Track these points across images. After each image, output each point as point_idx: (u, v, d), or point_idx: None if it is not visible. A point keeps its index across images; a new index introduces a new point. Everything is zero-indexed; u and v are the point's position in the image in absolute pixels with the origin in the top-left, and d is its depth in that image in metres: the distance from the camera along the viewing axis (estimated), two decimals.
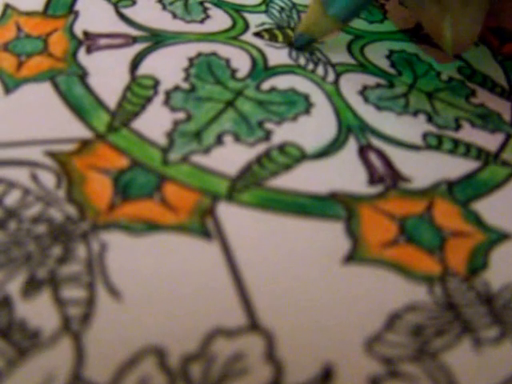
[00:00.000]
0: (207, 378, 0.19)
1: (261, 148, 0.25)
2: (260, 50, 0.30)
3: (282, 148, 0.26)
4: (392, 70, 0.30)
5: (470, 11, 0.28)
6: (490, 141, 0.28)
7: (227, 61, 0.29)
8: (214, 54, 0.29)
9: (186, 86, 0.27)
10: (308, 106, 0.27)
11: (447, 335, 0.21)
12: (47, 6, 0.31)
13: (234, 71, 0.29)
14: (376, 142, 0.26)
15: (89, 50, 0.29)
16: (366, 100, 0.28)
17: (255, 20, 0.32)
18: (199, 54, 0.29)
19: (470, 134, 0.28)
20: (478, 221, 0.24)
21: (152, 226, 0.23)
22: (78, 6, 0.31)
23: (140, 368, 0.19)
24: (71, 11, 0.31)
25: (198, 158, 0.25)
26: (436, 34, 0.29)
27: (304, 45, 0.30)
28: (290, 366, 0.20)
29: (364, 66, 0.30)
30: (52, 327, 0.20)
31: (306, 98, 0.28)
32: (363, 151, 0.26)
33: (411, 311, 0.22)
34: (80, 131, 0.25)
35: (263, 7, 0.33)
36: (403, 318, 0.21)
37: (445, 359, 0.21)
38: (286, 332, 0.21)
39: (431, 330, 0.21)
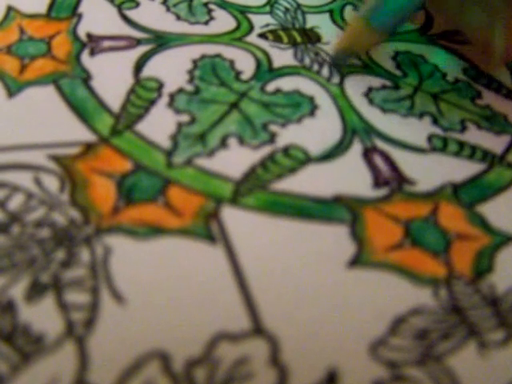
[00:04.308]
0: (212, 382, 0.19)
1: (265, 151, 0.25)
2: (264, 52, 0.30)
3: (286, 151, 0.26)
4: (397, 72, 0.30)
5: None
6: (495, 143, 0.27)
7: (231, 62, 0.29)
8: (218, 55, 0.29)
9: (190, 88, 0.27)
10: (313, 108, 0.27)
11: (452, 339, 0.21)
12: (50, 8, 0.31)
13: (238, 73, 0.29)
14: (381, 145, 0.26)
15: (92, 53, 0.28)
16: (371, 102, 0.28)
17: (260, 21, 0.32)
18: (203, 56, 0.29)
19: (476, 136, 0.28)
20: (483, 223, 0.24)
21: (156, 230, 0.23)
22: (82, 8, 0.31)
23: (144, 372, 0.19)
24: (74, 13, 0.30)
25: (202, 161, 0.25)
26: (482, 42, 0.28)
27: (345, 61, 0.30)
28: (295, 370, 0.20)
29: (369, 67, 0.30)
30: (56, 332, 0.20)
31: (311, 99, 0.28)
32: (368, 154, 0.26)
33: (416, 315, 0.21)
34: (83, 135, 0.25)
35: (268, 8, 0.33)
36: (408, 322, 0.21)
37: (450, 363, 0.21)
38: (290, 336, 0.21)
39: (436, 333, 0.21)
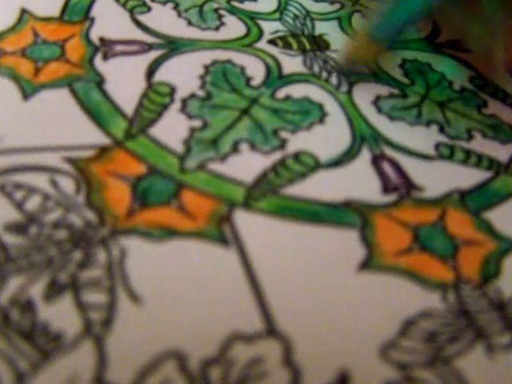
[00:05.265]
0: (226, 381, 0.20)
1: (276, 156, 0.26)
2: (274, 58, 0.30)
3: (296, 156, 0.26)
4: (405, 80, 0.31)
5: None
6: (501, 151, 0.28)
7: (242, 68, 0.29)
8: (229, 61, 0.30)
9: (201, 93, 0.28)
10: (322, 115, 0.28)
11: (460, 342, 0.22)
12: (63, 11, 0.31)
13: (248, 79, 0.29)
14: (389, 152, 0.27)
15: (105, 57, 0.29)
16: (379, 110, 0.29)
17: (269, 27, 0.32)
18: (215, 62, 0.29)
19: (482, 145, 0.28)
20: (489, 230, 0.25)
21: (170, 232, 0.23)
22: (94, 12, 0.31)
23: (161, 371, 0.20)
24: (87, 17, 0.31)
25: (215, 166, 0.25)
26: (484, 53, 0.30)
27: (351, 71, 0.31)
28: (307, 371, 0.20)
29: (377, 76, 0.31)
30: (74, 330, 0.20)
31: (320, 107, 0.28)
32: (377, 160, 0.26)
33: (425, 318, 0.22)
34: (98, 138, 0.25)
35: (277, 15, 0.33)
36: (417, 325, 0.22)
37: (458, 365, 0.21)
38: (302, 337, 0.21)
39: (445, 336, 0.22)
